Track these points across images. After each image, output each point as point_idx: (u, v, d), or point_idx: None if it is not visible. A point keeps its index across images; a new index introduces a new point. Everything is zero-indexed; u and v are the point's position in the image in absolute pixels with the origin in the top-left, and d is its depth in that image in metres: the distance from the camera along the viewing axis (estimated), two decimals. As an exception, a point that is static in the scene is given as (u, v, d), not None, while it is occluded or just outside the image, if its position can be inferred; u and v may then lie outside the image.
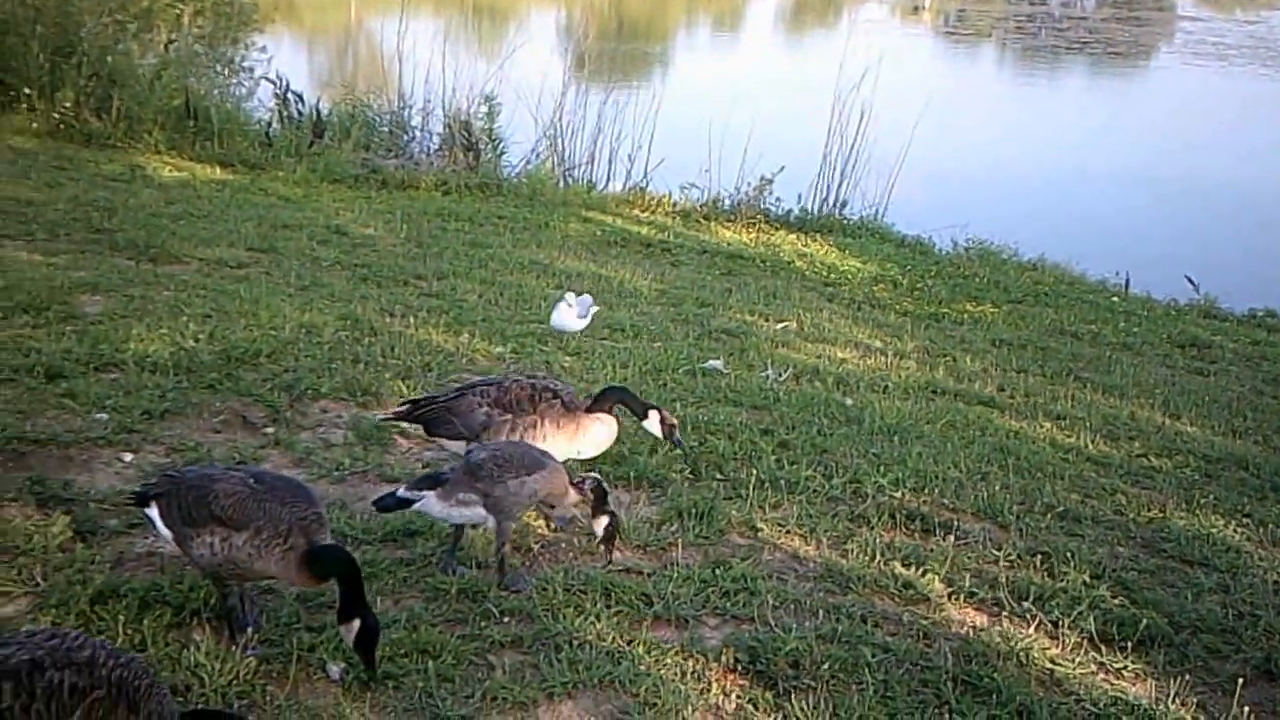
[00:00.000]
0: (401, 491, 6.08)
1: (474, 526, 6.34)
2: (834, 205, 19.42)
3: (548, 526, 6.86)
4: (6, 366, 7.87)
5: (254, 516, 4.97)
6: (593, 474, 6.35)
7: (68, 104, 18.26)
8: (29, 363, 7.96)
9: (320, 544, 5.04)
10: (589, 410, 7.02)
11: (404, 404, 7.28)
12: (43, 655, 3.55)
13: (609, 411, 7.06)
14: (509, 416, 6.79)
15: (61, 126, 18.20)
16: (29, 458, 6.76)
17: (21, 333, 8.64)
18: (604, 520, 6.14)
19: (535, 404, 6.86)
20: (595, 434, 6.99)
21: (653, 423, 7.23)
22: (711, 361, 10.48)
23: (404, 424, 7.30)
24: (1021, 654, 5.94)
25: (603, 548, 6.26)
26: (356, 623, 4.87)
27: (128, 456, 6.99)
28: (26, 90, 18.21)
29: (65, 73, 18.38)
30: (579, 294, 10.78)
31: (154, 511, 5.22)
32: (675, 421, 7.36)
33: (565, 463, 6.59)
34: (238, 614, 5.37)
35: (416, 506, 6.06)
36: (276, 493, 5.09)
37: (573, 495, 6.20)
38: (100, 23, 19.36)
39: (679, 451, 7.70)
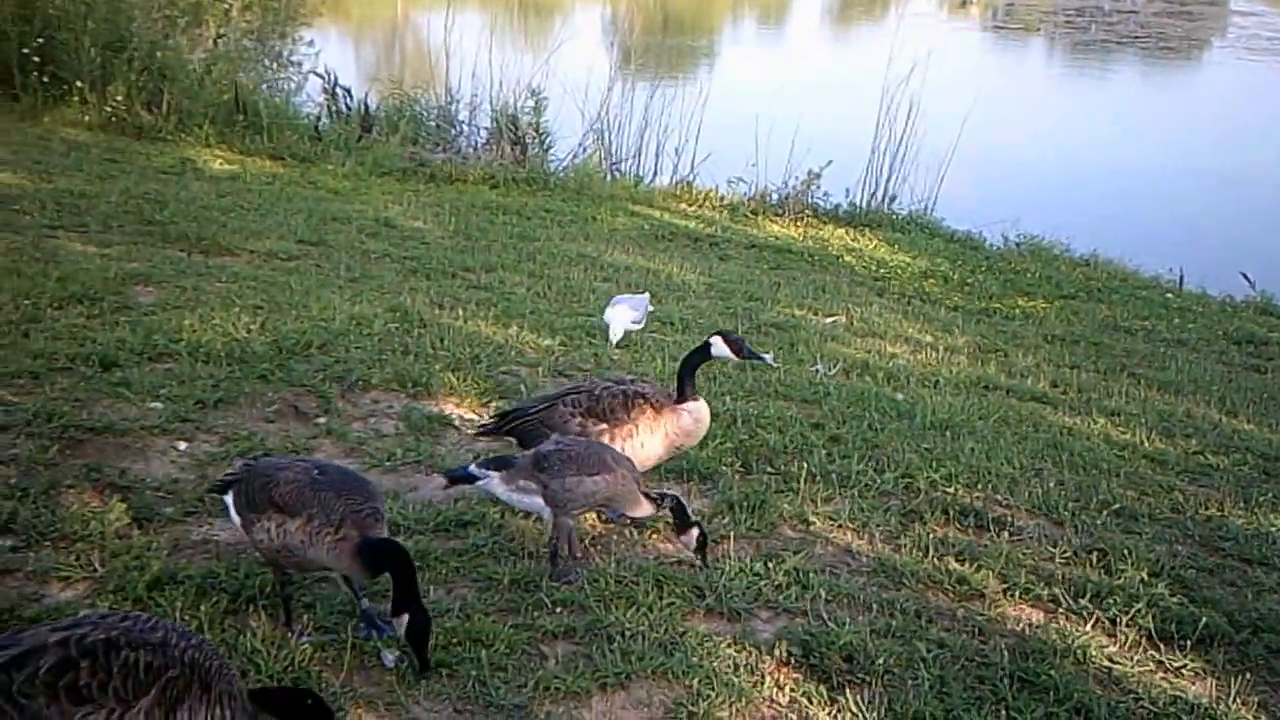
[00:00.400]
0: (472, 467, 6.22)
1: (529, 516, 6.37)
2: (883, 200, 19.25)
3: (598, 519, 6.84)
4: (63, 355, 7.95)
5: (308, 505, 5.03)
6: (671, 492, 6.33)
7: (119, 98, 18.43)
8: (84, 352, 8.04)
9: (374, 537, 5.07)
10: (677, 401, 6.92)
11: (494, 417, 7.25)
12: (118, 635, 3.59)
13: (693, 397, 6.94)
14: (604, 426, 6.71)
15: (113, 120, 18.38)
16: (86, 445, 6.83)
17: (77, 322, 8.73)
18: (694, 532, 6.09)
19: (629, 410, 6.76)
20: (684, 425, 6.86)
21: (720, 347, 7.11)
22: (761, 355, 10.40)
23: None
24: (1079, 651, 5.87)
25: (698, 558, 6.20)
26: (406, 617, 4.91)
27: (182, 445, 7.04)
28: (79, 84, 18.38)
29: (116, 67, 18.56)
30: (639, 291, 10.73)
31: (229, 498, 5.34)
32: (740, 337, 7.29)
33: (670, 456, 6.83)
34: (293, 602, 5.42)
35: (480, 484, 6.18)
36: (335, 484, 5.14)
37: (646, 507, 6.15)
38: (150, 18, 19.52)
39: (759, 362, 7.59)
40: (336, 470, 5.37)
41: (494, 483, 6.13)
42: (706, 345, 7.14)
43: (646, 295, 10.78)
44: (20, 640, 3.57)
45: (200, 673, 3.68)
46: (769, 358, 10.26)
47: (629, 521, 6.70)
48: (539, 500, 6.05)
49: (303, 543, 5.03)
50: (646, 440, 6.72)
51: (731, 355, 7.18)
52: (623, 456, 6.26)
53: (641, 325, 10.48)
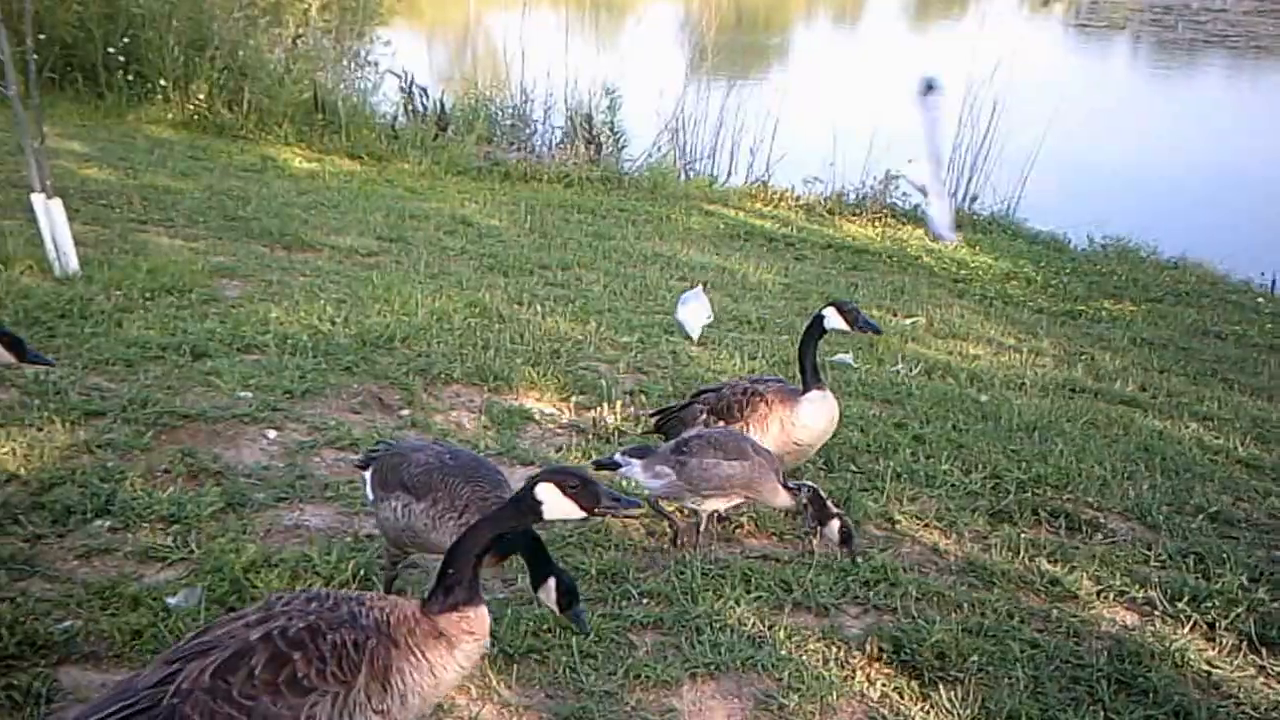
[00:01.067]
0: (617, 455, 6.29)
1: (664, 502, 6.43)
2: (964, 200, 19.04)
3: (682, 513, 6.81)
4: (155, 344, 8.06)
5: (435, 488, 5.02)
6: (808, 482, 6.17)
7: (201, 96, 18.76)
8: (175, 341, 8.15)
9: None
10: (803, 392, 6.68)
11: (654, 414, 7.31)
12: (315, 619, 3.61)
13: (817, 385, 6.68)
14: (722, 423, 6.63)
15: (195, 118, 18.70)
16: (179, 431, 6.91)
17: (167, 313, 8.86)
18: (835, 524, 5.96)
19: (744, 407, 6.65)
20: (805, 416, 6.62)
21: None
22: (840, 355, 10.36)
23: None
24: (1177, 655, 5.76)
25: (842, 551, 6.10)
26: (552, 581, 4.76)
27: (271, 434, 7.10)
28: (162, 83, 18.69)
29: (199, 66, 18.87)
30: (691, 286, 10.70)
31: (368, 474, 5.41)
32: (855, 305, 6.96)
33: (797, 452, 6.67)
34: (395, 583, 5.47)
35: (622, 470, 6.26)
36: (464, 470, 5.10)
37: (784, 497, 6.07)
38: (231, 17, 19.78)
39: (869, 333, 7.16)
40: (469, 457, 5.32)
41: (635, 469, 6.20)
42: (820, 319, 6.83)
43: (699, 288, 10.71)
44: (219, 642, 3.57)
45: (386, 631, 3.69)
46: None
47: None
48: (675, 481, 6.09)
49: (426, 525, 5.02)
50: (763, 437, 6.53)
51: (846, 327, 6.81)
52: (761, 447, 6.17)
53: (710, 319, 10.45)
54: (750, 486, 6.05)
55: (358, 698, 3.56)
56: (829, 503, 6.01)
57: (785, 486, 6.04)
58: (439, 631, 3.74)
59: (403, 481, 5.11)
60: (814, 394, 6.63)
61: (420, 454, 5.21)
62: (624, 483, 6.56)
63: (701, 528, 6.39)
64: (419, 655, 3.70)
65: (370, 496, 5.36)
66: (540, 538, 4.85)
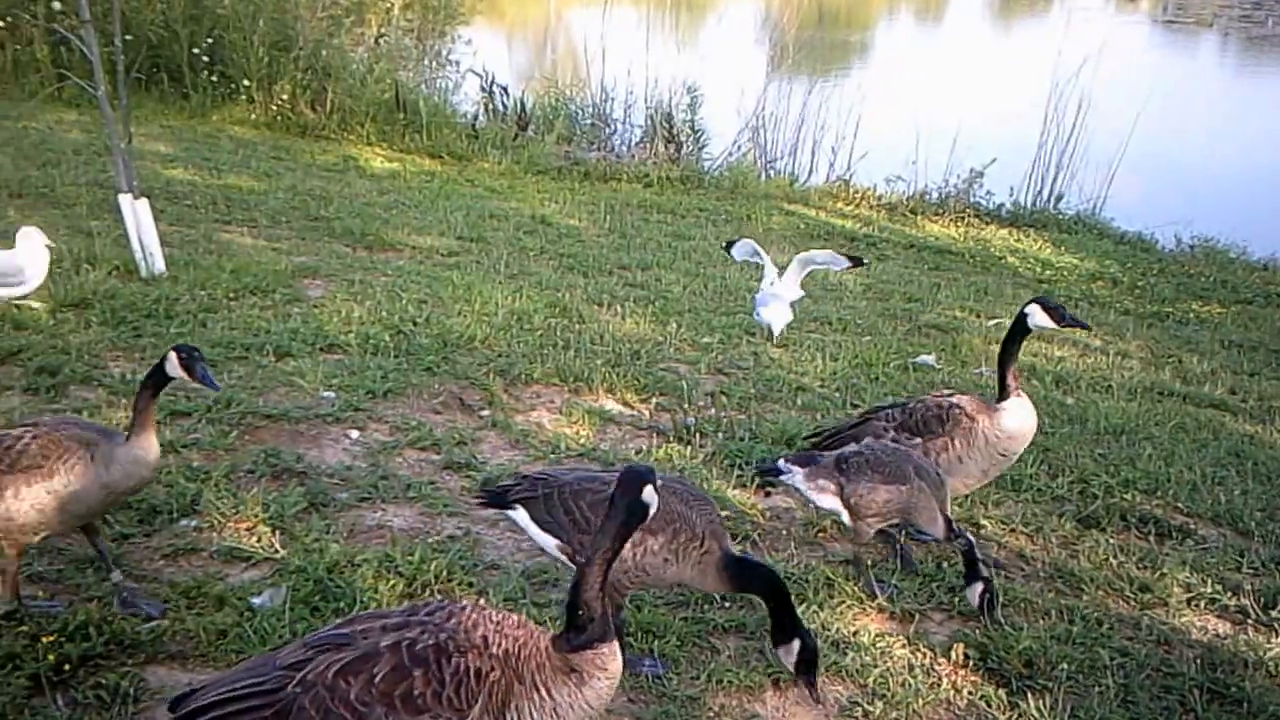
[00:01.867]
0: (780, 461, 6.12)
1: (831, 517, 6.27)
2: (1048, 199, 18.75)
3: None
4: (239, 345, 8.16)
5: (672, 520, 4.75)
6: (969, 533, 5.83)
7: (285, 97, 18.99)
8: (259, 342, 8.24)
9: (736, 554, 4.83)
10: (998, 399, 6.38)
11: (811, 435, 7.04)
12: (446, 639, 3.56)
13: (1015, 392, 6.34)
14: (918, 440, 6.32)
15: (279, 118, 18.94)
16: (262, 431, 6.98)
17: (251, 313, 8.96)
18: (979, 587, 5.67)
19: (943, 422, 6.32)
20: (1007, 426, 6.29)
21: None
22: (923, 357, 10.24)
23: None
24: (1271, 664, 5.64)
25: (981, 614, 5.74)
26: (796, 644, 4.59)
27: (354, 434, 7.15)
28: (246, 83, 18.93)
29: (283, 66, 19.10)
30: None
31: (521, 514, 5.08)
32: (1060, 303, 6.45)
33: (1002, 463, 6.37)
34: (625, 631, 5.23)
35: (784, 478, 6.10)
36: (681, 496, 4.85)
37: (940, 528, 5.77)
38: (315, 18, 19.98)
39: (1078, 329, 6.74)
40: (672, 478, 5.04)
41: (797, 477, 6.01)
42: (1023, 317, 6.38)
43: (768, 265, 10.43)
44: (354, 640, 3.58)
45: (513, 664, 3.61)
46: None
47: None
48: (836, 502, 5.91)
49: (667, 560, 4.78)
50: (964, 454, 6.25)
51: (1052, 324, 6.37)
52: (929, 470, 5.90)
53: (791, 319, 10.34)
54: (907, 511, 5.81)
55: None
56: (981, 563, 5.71)
57: (948, 520, 5.76)
58: (570, 668, 3.66)
59: None
60: (1013, 401, 6.33)
61: None
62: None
63: (860, 554, 6.09)
64: (544, 693, 3.62)
65: (548, 542, 5.01)
66: (788, 593, 4.64)
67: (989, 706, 5.16)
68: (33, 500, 4.72)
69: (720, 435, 7.78)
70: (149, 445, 4.90)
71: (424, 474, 6.80)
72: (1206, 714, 5.23)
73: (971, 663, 5.45)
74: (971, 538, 5.75)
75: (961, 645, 5.53)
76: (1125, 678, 5.44)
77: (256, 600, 5.25)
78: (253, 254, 10.74)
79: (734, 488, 7.08)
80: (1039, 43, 26.82)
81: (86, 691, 4.57)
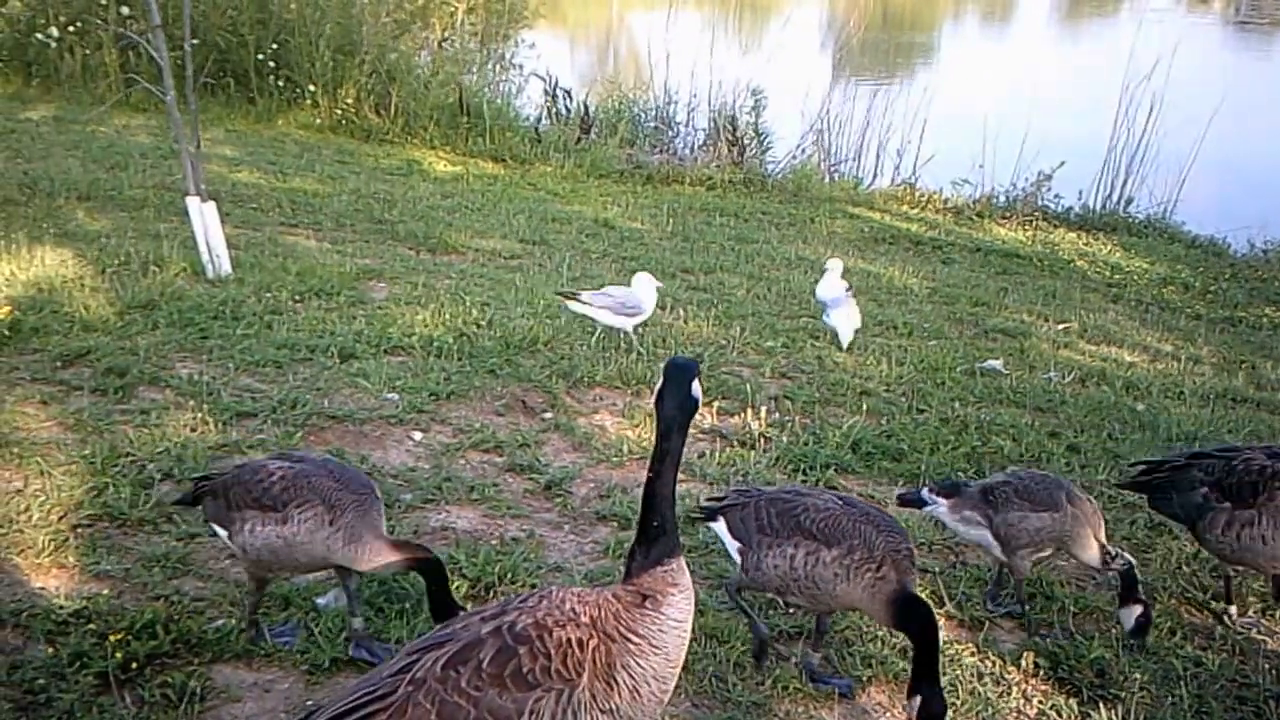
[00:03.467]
0: (924, 491, 5.95)
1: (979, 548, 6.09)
2: (1118, 203, 18.44)
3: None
4: (304, 347, 8.21)
5: (849, 535, 4.75)
6: (1128, 555, 5.62)
7: (349, 100, 19.05)
8: (324, 344, 8.29)
9: (912, 591, 4.75)
10: None
11: (1137, 463, 6.66)
12: (544, 616, 3.60)
13: None
14: (1227, 505, 5.73)
15: (343, 122, 19.01)
16: (327, 432, 7.02)
17: (316, 315, 9.02)
18: (1135, 610, 5.52)
19: (1257, 491, 5.63)
20: None
21: None
22: (990, 362, 10.10)
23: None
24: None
25: (1133, 638, 5.59)
26: (918, 700, 4.51)
27: (417, 435, 7.17)
28: (311, 87, 19.05)
29: (347, 70, 19.17)
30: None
31: (720, 525, 5.16)
32: None
33: None
34: (768, 643, 5.25)
35: (928, 509, 5.93)
36: (871, 518, 4.84)
37: (1094, 555, 5.60)
38: (380, 22, 20.09)
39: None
40: (865, 503, 5.02)
41: (941, 509, 5.86)
42: None
43: (837, 273, 10.36)
44: (455, 635, 3.63)
45: (600, 627, 3.63)
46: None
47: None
48: (986, 534, 5.73)
49: (837, 575, 4.73)
50: (1271, 534, 5.60)
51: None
52: (1080, 495, 5.69)
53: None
54: (1062, 539, 5.62)
55: (582, 696, 3.54)
56: (1139, 586, 5.56)
57: (1103, 547, 5.60)
58: (643, 596, 3.66)
59: (801, 526, 4.83)
60: None
61: (812, 499, 4.93)
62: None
63: (1022, 584, 5.89)
64: (636, 637, 3.63)
65: (734, 546, 5.07)
66: (939, 647, 4.56)
67: (1059, 716, 5.09)
68: (264, 539, 4.75)
69: (785, 439, 7.71)
70: (386, 558, 4.84)
71: (487, 476, 6.81)
72: (1287, 726, 5.11)
73: (1042, 671, 5.38)
74: (1131, 559, 5.58)
75: (1032, 653, 5.45)
76: (1199, 688, 5.34)
77: (321, 601, 5.27)
78: (317, 256, 10.82)
79: (798, 493, 7.02)
80: (1107, 44, 26.51)
81: (153, 690, 4.60)
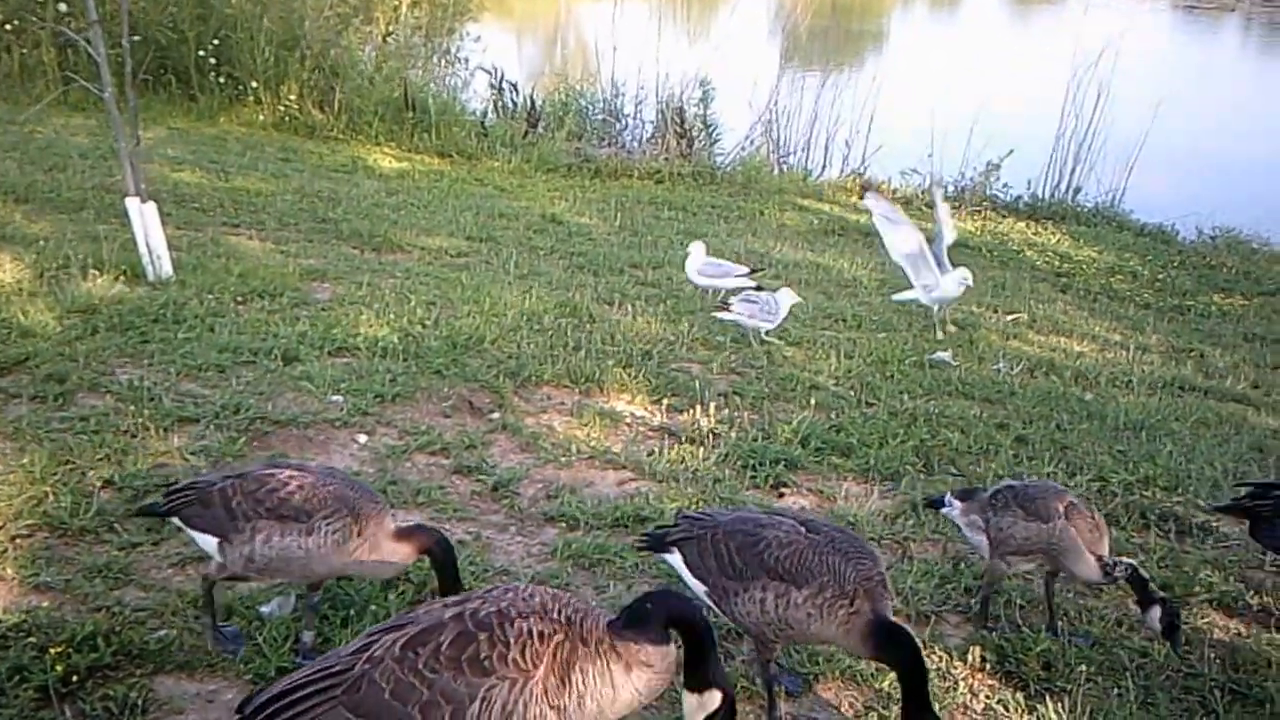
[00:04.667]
0: (948, 495, 5.95)
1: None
2: (1067, 192, 18.61)
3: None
4: (247, 350, 8.08)
5: (817, 572, 4.46)
6: (1128, 559, 5.47)
7: (292, 97, 18.89)
8: (267, 346, 8.17)
9: (888, 618, 4.43)
10: None
11: (1241, 484, 6.63)
12: (507, 606, 3.65)
13: None
14: None
15: (286, 119, 18.83)
16: (270, 437, 6.91)
17: (259, 317, 8.88)
18: (1156, 610, 5.27)
19: None
20: None
21: None
22: (939, 353, 10.14)
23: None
24: (1293, 663, 5.56)
25: (1166, 642, 5.39)
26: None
27: (362, 438, 7.08)
28: (253, 84, 18.83)
29: (290, 66, 18.99)
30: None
31: (675, 558, 4.88)
32: None
33: None
34: (777, 680, 4.97)
35: (945, 510, 5.94)
36: (836, 545, 4.53)
37: (1090, 569, 5.40)
38: (322, 17, 19.89)
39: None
40: (828, 526, 4.71)
41: (955, 511, 5.84)
42: None
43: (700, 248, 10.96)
44: (416, 618, 3.67)
45: (577, 630, 3.67)
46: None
47: None
48: (983, 539, 5.67)
49: (810, 615, 4.45)
50: None
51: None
52: (1082, 509, 5.49)
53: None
54: (1050, 551, 5.47)
55: (535, 688, 3.57)
56: (1151, 585, 5.37)
57: (1102, 560, 5.40)
58: (617, 653, 3.70)
59: (766, 566, 4.53)
60: None
61: (773, 530, 4.59)
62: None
63: (992, 588, 5.78)
64: (604, 663, 3.67)
65: (695, 586, 4.78)
66: (927, 675, 4.30)
67: (1006, 710, 5.08)
68: (281, 549, 4.65)
69: (734, 435, 7.68)
70: (406, 554, 4.79)
71: (433, 478, 6.73)
72: (1228, 715, 5.16)
73: (989, 666, 5.37)
74: (1133, 562, 5.41)
75: (979, 648, 5.45)
76: (1145, 679, 5.37)
77: (264, 609, 5.19)
78: (260, 257, 10.68)
79: (748, 488, 7.01)
80: (1056, 32, 26.60)
81: (95, 703, 4.50)
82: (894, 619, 4.42)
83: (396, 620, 3.71)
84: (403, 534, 4.78)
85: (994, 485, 5.89)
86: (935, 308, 10.81)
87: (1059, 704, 5.07)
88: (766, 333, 9.96)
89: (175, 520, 4.90)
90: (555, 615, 3.68)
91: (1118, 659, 5.49)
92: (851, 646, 4.52)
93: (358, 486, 4.83)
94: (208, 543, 4.79)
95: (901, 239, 10.60)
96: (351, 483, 4.85)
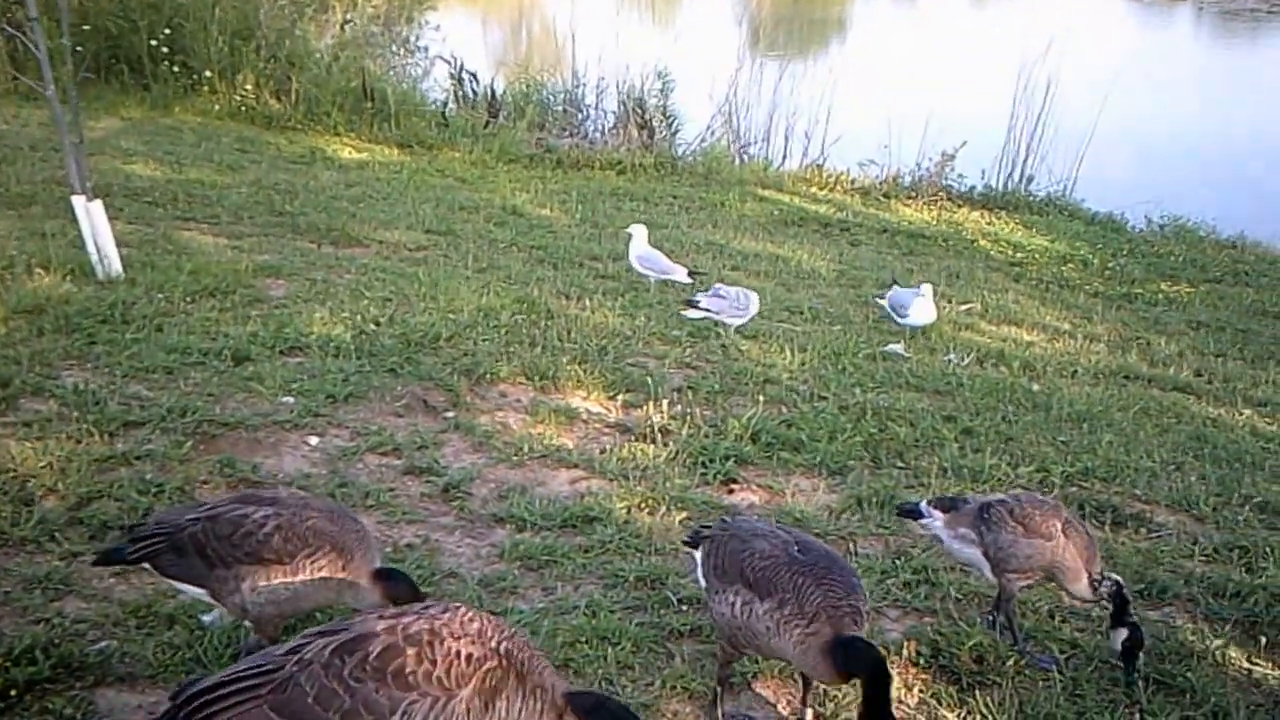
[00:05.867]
0: (923, 504, 5.83)
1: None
2: (1019, 181, 18.76)
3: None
4: (196, 350, 8.04)
5: (782, 588, 4.48)
6: (1115, 576, 5.48)
7: (248, 87, 18.66)
8: (217, 346, 8.13)
9: (848, 635, 4.42)
10: None
11: None
12: (440, 625, 3.65)
13: None
14: None
15: (242, 109, 18.60)
16: (219, 440, 6.90)
17: (209, 316, 8.83)
18: (1123, 633, 5.27)
19: None
20: None
21: None
22: (891, 345, 10.24)
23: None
24: (1217, 653, 5.67)
25: (1121, 663, 5.36)
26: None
27: (313, 440, 7.08)
28: (207, 74, 18.63)
29: (244, 55, 18.78)
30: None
31: (699, 555, 4.99)
32: None
33: None
34: (724, 692, 4.97)
35: (924, 521, 5.80)
36: (815, 568, 4.52)
37: (1083, 588, 5.40)
38: (277, 4, 19.73)
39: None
40: (820, 551, 4.70)
41: (936, 524, 5.72)
42: None
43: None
44: (350, 626, 3.69)
45: (515, 664, 3.70)
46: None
47: None
48: (977, 553, 5.57)
49: (769, 629, 4.49)
50: None
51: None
52: (1076, 526, 5.50)
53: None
54: (1051, 568, 5.42)
55: (457, 707, 3.59)
56: (1130, 607, 5.33)
57: (1090, 577, 5.39)
58: (556, 710, 3.76)
59: (743, 574, 4.59)
60: None
61: (763, 542, 4.66)
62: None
63: (1013, 612, 5.66)
64: (537, 705, 3.71)
65: (703, 583, 4.91)
66: (889, 686, 4.27)
67: (939, 704, 5.16)
68: (269, 594, 4.57)
69: (685, 432, 7.73)
70: (379, 598, 4.69)
71: (384, 480, 6.74)
72: (1151, 706, 5.23)
73: (924, 660, 5.45)
74: (1119, 579, 5.42)
75: (914, 642, 5.53)
76: (1074, 671, 5.46)
77: (206, 618, 5.18)
78: (213, 253, 10.60)
79: (698, 485, 7.06)
80: (1013, 22, 26.72)
81: (33, 717, 4.51)
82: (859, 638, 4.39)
83: (333, 625, 3.74)
84: (379, 577, 4.68)
85: (979, 498, 5.81)
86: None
87: (989, 697, 5.16)
88: (736, 328, 10.09)
89: (147, 567, 4.76)
90: (492, 643, 3.69)
91: (1048, 651, 5.59)
92: (812, 668, 4.53)
93: (336, 515, 4.74)
94: (194, 592, 4.72)
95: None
96: (329, 510, 4.75)
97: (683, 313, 10.14)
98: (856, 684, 4.43)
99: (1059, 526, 5.41)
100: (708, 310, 9.99)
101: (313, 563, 4.57)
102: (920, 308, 10.61)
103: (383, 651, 3.57)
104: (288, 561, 4.54)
